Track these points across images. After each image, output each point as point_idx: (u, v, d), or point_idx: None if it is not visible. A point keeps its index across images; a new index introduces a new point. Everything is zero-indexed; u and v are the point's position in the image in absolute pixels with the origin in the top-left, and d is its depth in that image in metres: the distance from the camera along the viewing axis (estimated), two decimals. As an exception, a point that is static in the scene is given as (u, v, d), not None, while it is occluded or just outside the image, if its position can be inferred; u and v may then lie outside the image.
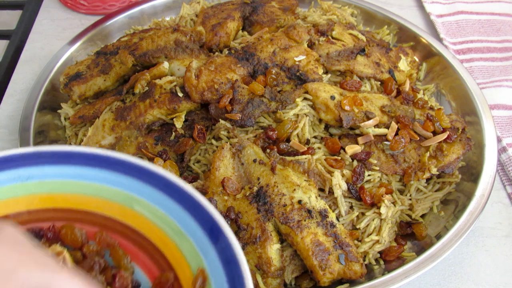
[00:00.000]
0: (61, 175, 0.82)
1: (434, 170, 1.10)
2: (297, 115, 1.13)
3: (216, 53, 1.23)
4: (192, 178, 1.09)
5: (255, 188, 1.00)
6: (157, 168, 0.80)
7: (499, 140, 1.31)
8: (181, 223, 0.77)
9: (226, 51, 1.27)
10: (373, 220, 1.05)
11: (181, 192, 0.78)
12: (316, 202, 1.00)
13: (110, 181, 0.82)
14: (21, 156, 0.81)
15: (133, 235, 0.82)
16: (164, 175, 0.79)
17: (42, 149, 0.82)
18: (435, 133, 1.14)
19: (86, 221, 0.84)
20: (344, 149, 1.09)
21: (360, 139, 1.11)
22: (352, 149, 1.08)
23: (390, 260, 1.03)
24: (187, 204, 0.77)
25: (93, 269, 0.76)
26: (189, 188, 0.77)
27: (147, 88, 1.17)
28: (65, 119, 1.30)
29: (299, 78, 1.18)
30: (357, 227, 1.04)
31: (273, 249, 0.95)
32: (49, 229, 0.82)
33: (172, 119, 1.14)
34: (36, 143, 1.20)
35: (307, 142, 1.11)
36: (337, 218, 1.03)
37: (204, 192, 1.02)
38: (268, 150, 1.07)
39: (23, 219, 0.82)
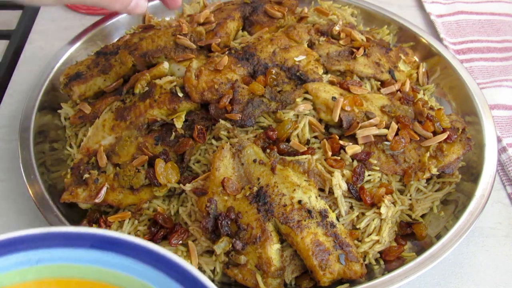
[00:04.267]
0: (73, 259, 0.79)
1: (434, 170, 1.10)
2: (297, 115, 1.13)
3: (216, 53, 1.22)
4: (192, 178, 1.09)
5: (255, 188, 1.00)
6: (174, 256, 0.76)
7: (499, 140, 1.31)
8: None
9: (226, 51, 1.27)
10: (373, 220, 1.05)
11: (196, 283, 0.74)
12: (316, 202, 1.00)
13: (123, 267, 0.78)
14: (31, 238, 0.78)
15: None
16: (180, 264, 0.75)
17: (53, 230, 0.78)
18: (435, 133, 1.14)
19: None
20: (344, 149, 1.09)
21: (360, 139, 1.11)
22: (352, 149, 1.08)
23: (390, 260, 1.04)
24: None
25: None
26: (206, 281, 0.73)
27: (147, 88, 1.17)
28: (65, 119, 1.30)
29: (299, 78, 1.18)
30: (357, 227, 1.04)
31: (273, 249, 0.96)
32: None
33: (172, 119, 1.14)
34: (36, 143, 1.20)
35: (307, 142, 1.11)
36: (337, 218, 1.03)
37: (204, 192, 1.02)
38: (268, 150, 1.07)
39: None
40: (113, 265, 0.79)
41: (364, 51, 1.28)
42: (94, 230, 0.79)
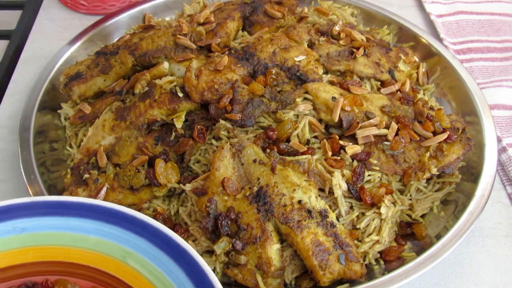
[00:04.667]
0: (56, 227, 0.81)
1: (434, 170, 1.10)
2: (297, 115, 1.13)
3: (216, 53, 1.22)
4: (192, 178, 1.09)
5: (255, 188, 1.00)
6: (153, 221, 0.79)
7: (499, 140, 1.31)
8: (174, 280, 0.76)
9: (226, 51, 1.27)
10: (373, 220, 1.05)
11: (177, 248, 0.76)
12: (316, 202, 1.00)
13: (105, 233, 0.81)
14: (16, 207, 0.80)
15: None
16: (160, 229, 0.78)
17: (37, 200, 0.81)
18: (435, 133, 1.14)
19: (80, 275, 0.83)
20: (344, 149, 1.09)
21: (360, 139, 1.11)
22: (352, 149, 1.08)
23: (390, 260, 1.04)
24: (181, 260, 0.76)
25: None
26: (185, 244, 0.76)
27: (147, 88, 1.17)
28: (65, 119, 1.30)
29: (299, 78, 1.18)
30: (357, 227, 1.04)
31: (273, 249, 0.96)
32: (43, 284, 0.81)
33: (172, 119, 1.14)
34: (36, 143, 1.20)
35: (307, 142, 1.11)
36: (337, 218, 1.03)
37: (204, 192, 1.02)
38: (268, 150, 1.07)
39: (17, 273, 0.81)
40: (97, 232, 0.81)
41: (364, 51, 1.28)
42: (76, 199, 0.81)
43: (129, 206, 1.09)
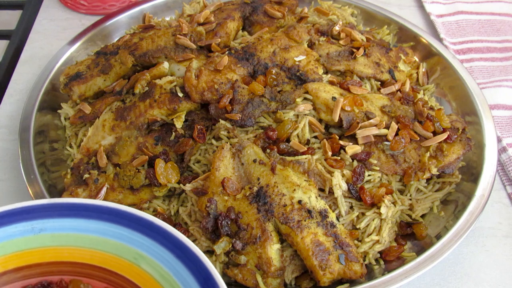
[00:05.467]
0: (73, 228, 0.84)
1: (434, 170, 1.10)
2: (297, 115, 1.13)
3: (216, 53, 1.22)
4: (192, 178, 1.09)
5: (255, 188, 1.00)
6: (165, 225, 0.81)
7: (499, 140, 1.31)
8: (183, 283, 0.78)
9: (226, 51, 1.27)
10: (373, 220, 1.05)
11: (188, 252, 0.79)
12: (316, 202, 1.00)
13: (120, 236, 0.83)
14: (36, 208, 0.83)
15: None
16: (172, 233, 0.80)
17: (56, 202, 0.84)
18: (435, 133, 1.14)
19: (94, 276, 0.85)
20: (344, 149, 1.09)
21: (360, 139, 1.11)
22: (352, 149, 1.08)
23: (390, 260, 1.04)
24: (191, 265, 0.78)
25: None
26: (196, 249, 0.78)
27: (147, 88, 1.17)
28: (65, 119, 1.30)
29: (299, 78, 1.18)
30: (357, 227, 1.04)
31: (273, 249, 0.96)
32: (58, 284, 0.83)
33: (172, 119, 1.14)
34: (36, 143, 1.20)
35: (307, 142, 1.11)
36: (337, 218, 1.03)
37: (204, 192, 1.02)
38: (268, 150, 1.07)
39: (35, 272, 0.84)
40: (109, 234, 0.83)
41: (364, 51, 1.28)
42: (94, 202, 0.84)
43: (129, 206, 1.09)
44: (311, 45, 1.28)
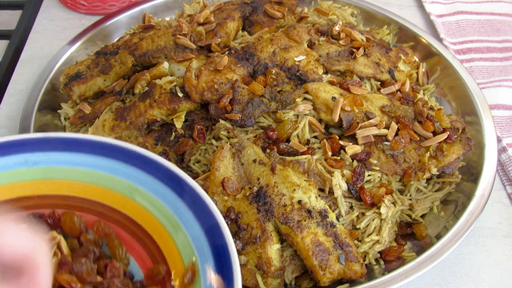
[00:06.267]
0: (67, 162, 0.84)
1: (434, 170, 1.10)
2: (297, 115, 1.13)
3: (216, 53, 1.22)
4: (192, 178, 1.09)
5: (255, 188, 1.00)
6: (160, 159, 0.81)
7: (499, 140, 1.31)
8: (180, 217, 0.78)
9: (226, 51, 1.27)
10: (373, 220, 1.05)
11: (184, 185, 0.79)
12: (316, 202, 1.00)
13: (114, 170, 0.83)
14: (29, 141, 0.83)
15: (131, 226, 0.83)
16: (167, 166, 0.80)
17: (50, 136, 0.84)
18: (435, 133, 1.14)
19: (86, 209, 0.85)
20: (344, 149, 1.09)
21: (360, 139, 1.11)
22: (352, 149, 1.08)
23: (390, 260, 1.04)
24: (188, 198, 0.78)
25: (87, 257, 0.77)
26: (192, 182, 0.78)
27: (147, 88, 1.17)
28: (65, 119, 1.30)
29: (299, 78, 1.18)
30: (357, 227, 1.04)
31: (273, 249, 0.96)
32: (50, 216, 0.83)
33: (172, 119, 1.14)
34: (36, 143, 1.20)
35: (307, 142, 1.11)
36: (337, 218, 1.03)
37: (204, 192, 1.02)
38: (268, 150, 1.07)
39: (27, 204, 0.83)
40: (106, 168, 0.83)
41: (364, 51, 1.28)
42: (90, 137, 0.84)
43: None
44: (311, 45, 1.28)
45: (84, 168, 0.84)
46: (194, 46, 1.24)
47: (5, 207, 0.81)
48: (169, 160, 1.10)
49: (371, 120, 1.12)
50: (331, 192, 1.05)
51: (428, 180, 1.16)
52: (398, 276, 0.97)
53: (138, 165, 0.82)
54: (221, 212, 0.98)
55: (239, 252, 0.96)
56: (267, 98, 1.13)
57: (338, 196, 1.04)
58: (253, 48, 1.22)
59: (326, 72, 1.25)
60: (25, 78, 1.48)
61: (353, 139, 1.12)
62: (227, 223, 0.97)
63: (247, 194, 1.00)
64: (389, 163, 1.11)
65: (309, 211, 0.97)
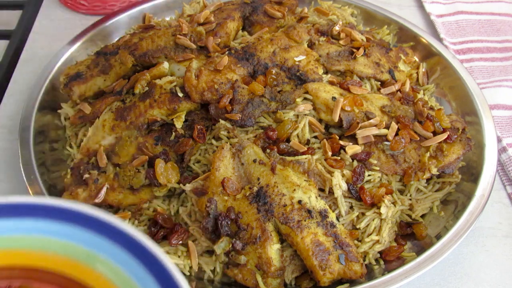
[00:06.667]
0: (20, 229, 0.78)
1: (434, 170, 1.10)
2: (297, 115, 1.13)
3: (216, 53, 1.22)
4: (192, 178, 1.09)
5: (255, 188, 1.00)
6: (122, 223, 0.75)
7: (499, 140, 1.31)
8: (142, 285, 0.75)
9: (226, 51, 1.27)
10: (373, 220, 1.05)
11: (146, 253, 0.74)
12: (316, 202, 1.00)
13: (72, 236, 0.77)
14: None
15: None
16: (128, 232, 0.74)
17: (11, 201, 0.77)
18: (435, 133, 1.14)
19: (45, 280, 0.80)
20: (344, 149, 1.09)
21: (360, 139, 1.11)
22: (352, 149, 1.08)
23: (390, 260, 1.04)
24: (152, 267, 0.73)
25: None
26: (156, 249, 0.73)
27: (147, 88, 1.17)
28: (65, 119, 1.30)
29: (299, 78, 1.18)
30: (357, 227, 1.04)
31: (273, 249, 0.96)
32: None
33: (172, 119, 1.14)
34: (36, 143, 1.20)
35: (307, 142, 1.11)
36: (337, 218, 1.03)
37: (204, 192, 1.02)
38: (268, 150, 1.07)
39: None
40: (64, 235, 0.78)
41: (364, 51, 1.28)
42: (43, 200, 0.77)
43: (129, 206, 1.10)
44: (311, 45, 1.28)
45: (40, 235, 0.77)
46: (194, 46, 1.24)
47: None
48: (169, 159, 1.10)
49: (371, 120, 1.12)
50: (331, 192, 1.05)
51: (428, 180, 1.16)
52: (398, 276, 0.97)
53: (99, 230, 0.76)
54: (221, 212, 0.98)
55: (239, 252, 0.96)
56: (267, 98, 1.13)
57: (338, 196, 1.04)
58: (253, 48, 1.22)
59: (326, 72, 1.25)
60: (25, 78, 1.48)
61: (353, 139, 1.12)
62: (227, 223, 0.98)
63: (247, 194, 1.00)
64: (389, 163, 1.11)
65: (309, 211, 0.97)
